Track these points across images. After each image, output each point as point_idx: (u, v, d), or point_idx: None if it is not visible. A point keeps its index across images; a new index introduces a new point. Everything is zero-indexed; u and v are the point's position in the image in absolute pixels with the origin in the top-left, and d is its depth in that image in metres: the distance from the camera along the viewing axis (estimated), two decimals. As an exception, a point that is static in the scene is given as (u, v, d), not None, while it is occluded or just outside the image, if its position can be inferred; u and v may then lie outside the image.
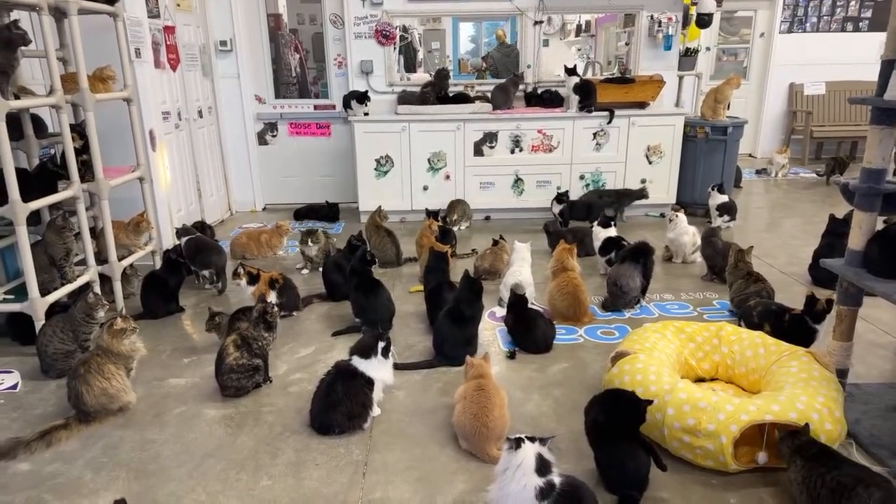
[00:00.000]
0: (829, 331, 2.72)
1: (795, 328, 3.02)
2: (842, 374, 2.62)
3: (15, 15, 3.53)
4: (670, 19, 6.12)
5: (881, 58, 2.39)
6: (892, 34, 2.34)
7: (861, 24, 8.83)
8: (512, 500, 1.84)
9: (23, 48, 3.06)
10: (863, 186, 2.46)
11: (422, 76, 7.06)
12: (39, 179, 3.41)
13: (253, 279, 3.69)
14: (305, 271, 4.65)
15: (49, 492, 2.28)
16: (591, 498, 1.91)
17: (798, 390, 2.37)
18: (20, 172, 3.09)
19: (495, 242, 4.40)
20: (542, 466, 1.85)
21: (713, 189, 5.47)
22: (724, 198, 5.49)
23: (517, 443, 1.86)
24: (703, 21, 6.17)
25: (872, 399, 2.73)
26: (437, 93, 5.95)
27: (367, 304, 3.54)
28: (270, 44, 6.36)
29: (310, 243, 4.56)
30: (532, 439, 1.89)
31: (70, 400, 2.68)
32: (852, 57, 8.68)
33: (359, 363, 2.64)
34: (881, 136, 2.41)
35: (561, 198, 5.53)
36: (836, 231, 4.07)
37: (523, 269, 3.84)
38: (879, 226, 2.51)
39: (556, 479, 1.85)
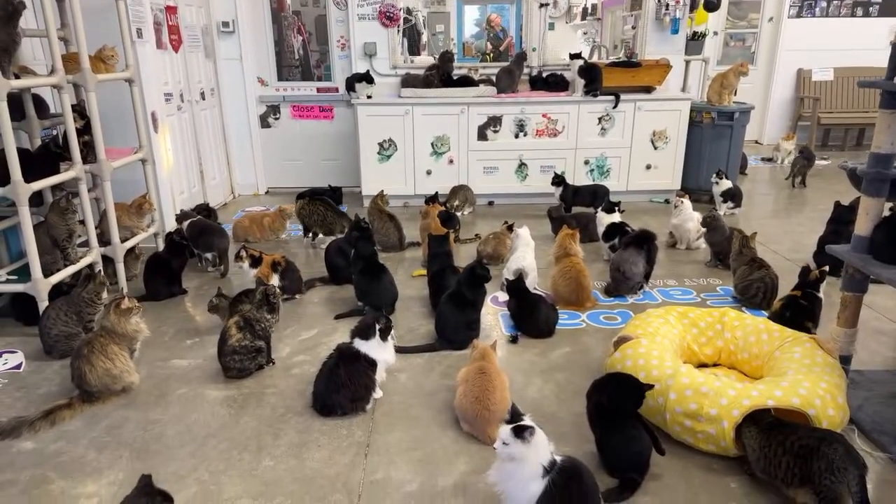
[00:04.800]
0: (832, 317, 2.71)
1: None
2: (845, 360, 2.61)
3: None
4: (678, 2, 6.03)
5: (891, 42, 2.35)
6: (904, 16, 2.30)
7: (871, 9, 8.70)
8: (520, 484, 1.83)
9: (24, 28, 3.03)
10: (871, 171, 2.43)
11: (426, 59, 6.98)
12: (41, 160, 3.39)
13: (255, 262, 3.69)
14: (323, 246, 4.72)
15: (53, 470, 2.30)
16: (590, 476, 1.91)
17: (801, 376, 2.37)
18: (22, 153, 3.08)
19: (510, 227, 4.34)
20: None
21: (717, 176, 5.45)
22: (729, 184, 5.47)
23: (531, 432, 1.80)
24: (712, 5, 6.09)
25: (875, 386, 2.73)
26: (441, 76, 5.90)
27: (370, 287, 3.54)
28: (273, 25, 6.31)
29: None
30: (518, 426, 1.83)
31: (73, 380, 2.69)
32: (862, 43, 8.55)
33: (361, 345, 2.64)
34: (890, 120, 2.37)
35: (558, 180, 5.42)
36: (841, 218, 4.04)
37: (527, 254, 3.83)
38: (886, 212, 2.49)
39: (556, 457, 1.85)
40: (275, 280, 3.63)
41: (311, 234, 4.86)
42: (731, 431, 2.19)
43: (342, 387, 2.57)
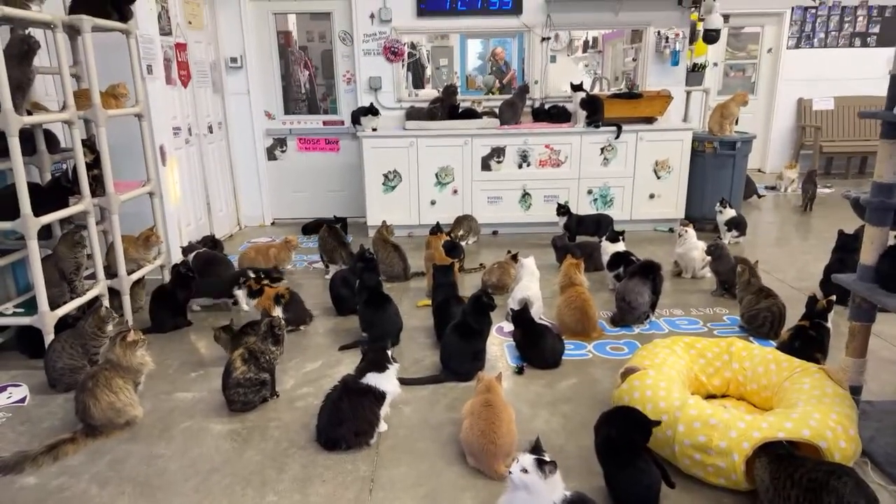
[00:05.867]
0: (841, 347, 2.69)
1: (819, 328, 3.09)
2: (855, 391, 2.58)
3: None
4: (678, 35, 6.14)
5: (890, 72, 2.39)
6: (901, 49, 2.33)
7: (869, 39, 8.83)
8: None
9: (37, 66, 3.10)
10: (874, 201, 2.44)
11: (430, 92, 7.11)
12: (52, 194, 3.44)
13: (254, 293, 3.68)
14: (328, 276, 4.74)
15: (55, 506, 2.27)
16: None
17: (811, 407, 2.33)
18: (32, 187, 3.12)
19: (514, 257, 4.36)
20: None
21: (721, 205, 5.47)
22: (733, 212, 5.48)
23: (552, 468, 1.83)
24: (711, 37, 6.18)
25: (886, 417, 2.68)
26: (445, 108, 5.99)
27: (375, 318, 3.53)
28: (280, 60, 6.44)
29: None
30: (540, 459, 1.86)
31: (77, 413, 2.68)
32: (861, 72, 8.67)
33: (372, 378, 2.61)
34: (892, 150, 2.39)
35: (563, 210, 5.44)
36: (846, 247, 4.03)
37: (532, 283, 3.83)
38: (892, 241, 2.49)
39: (566, 492, 1.86)
40: (277, 312, 3.63)
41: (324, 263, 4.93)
42: (742, 465, 2.15)
43: (346, 420, 2.55)
